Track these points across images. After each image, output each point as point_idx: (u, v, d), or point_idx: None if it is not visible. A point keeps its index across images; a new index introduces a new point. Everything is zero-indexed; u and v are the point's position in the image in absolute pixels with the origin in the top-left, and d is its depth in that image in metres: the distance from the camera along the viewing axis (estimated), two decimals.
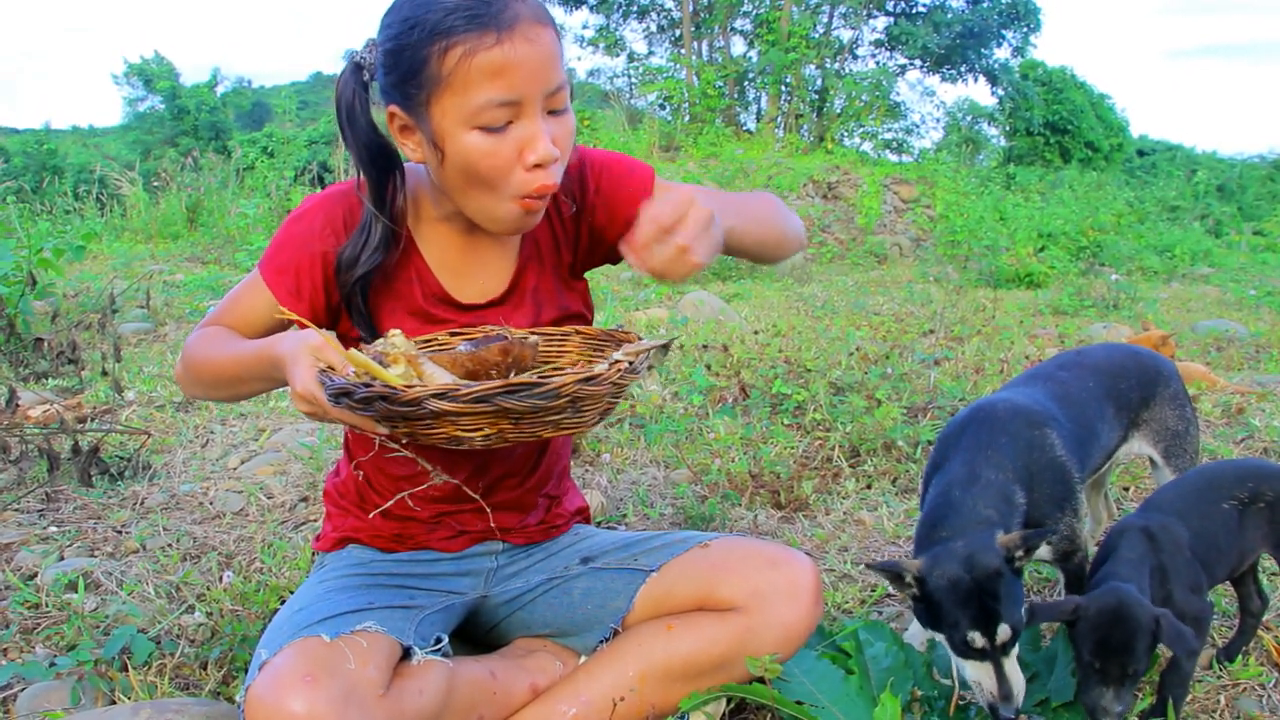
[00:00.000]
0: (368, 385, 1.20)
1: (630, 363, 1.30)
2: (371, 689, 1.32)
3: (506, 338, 1.47)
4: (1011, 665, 1.59)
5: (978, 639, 1.57)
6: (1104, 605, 1.57)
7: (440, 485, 1.60)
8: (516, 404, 1.21)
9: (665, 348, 1.39)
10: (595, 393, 1.26)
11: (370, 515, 1.64)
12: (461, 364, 1.40)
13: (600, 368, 1.27)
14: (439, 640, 1.51)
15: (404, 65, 1.34)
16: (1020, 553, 1.59)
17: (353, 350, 1.28)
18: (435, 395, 1.19)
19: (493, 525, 1.66)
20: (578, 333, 1.57)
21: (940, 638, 1.64)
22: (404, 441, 1.39)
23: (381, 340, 1.34)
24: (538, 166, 1.36)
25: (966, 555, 1.59)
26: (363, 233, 1.49)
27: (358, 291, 1.52)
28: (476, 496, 1.59)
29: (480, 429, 1.25)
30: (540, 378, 1.23)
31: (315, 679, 1.26)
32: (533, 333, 1.54)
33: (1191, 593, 1.69)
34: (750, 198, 1.63)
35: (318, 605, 1.44)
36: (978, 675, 1.60)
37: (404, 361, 1.32)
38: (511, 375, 1.41)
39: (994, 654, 1.58)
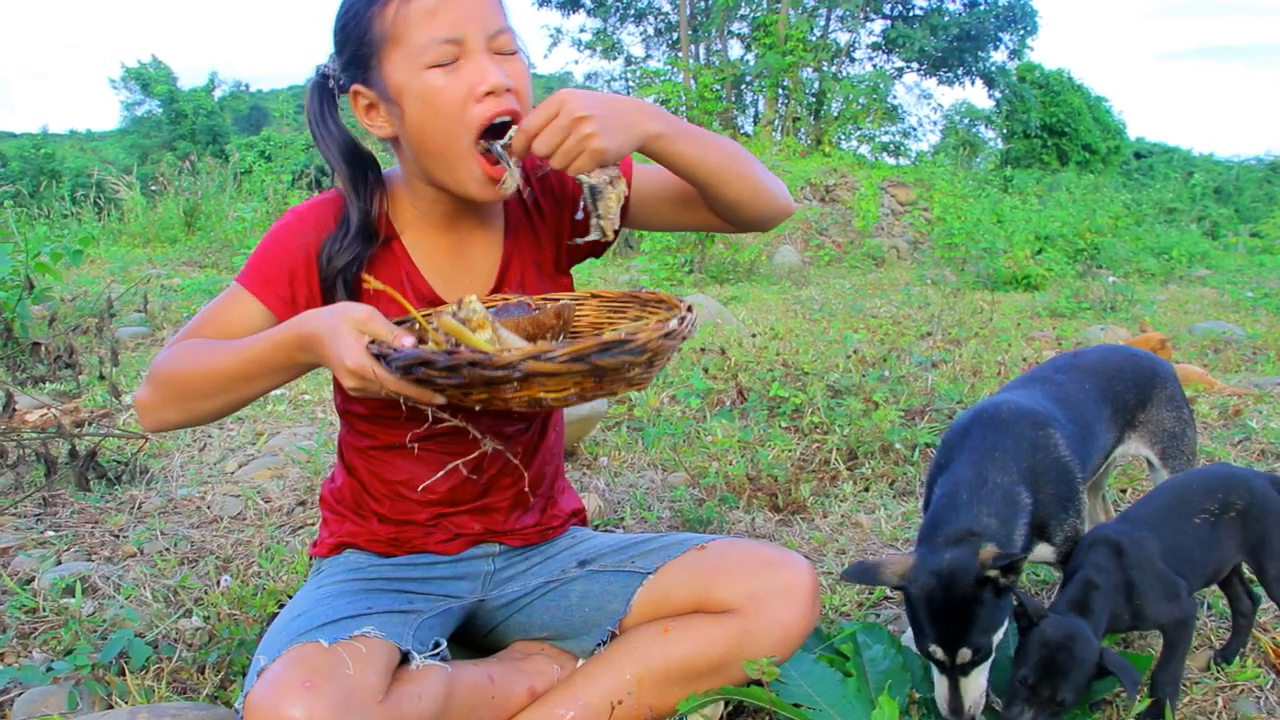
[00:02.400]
0: (450, 353, 1.20)
1: (690, 318, 1.36)
2: (370, 694, 1.31)
3: (529, 305, 1.51)
4: (970, 681, 1.60)
5: (938, 653, 1.59)
6: (1056, 630, 1.58)
7: (436, 487, 1.59)
8: (609, 361, 1.24)
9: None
10: (668, 347, 1.31)
11: (419, 488, 1.61)
12: (523, 328, 1.45)
13: (673, 324, 1.31)
14: (437, 645, 1.51)
15: (352, 38, 1.43)
16: (996, 572, 1.57)
17: (446, 317, 1.30)
18: (532, 358, 1.20)
19: (485, 527, 1.66)
20: (594, 295, 1.62)
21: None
22: (476, 409, 1.35)
23: (455, 307, 1.35)
24: (490, 95, 1.40)
25: (948, 571, 1.59)
26: (343, 225, 1.52)
27: (340, 287, 1.51)
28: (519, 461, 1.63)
29: (565, 389, 1.27)
30: (628, 335, 1.26)
31: (314, 685, 1.26)
32: (548, 299, 1.58)
33: (1168, 601, 1.70)
34: (716, 136, 1.57)
35: (316, 611, 1.44)
36: (937, 686, 1.63)
37: (490, 326, 1.33)
38: (563, 337, 1.50)
39: (951, 670, 1.59)
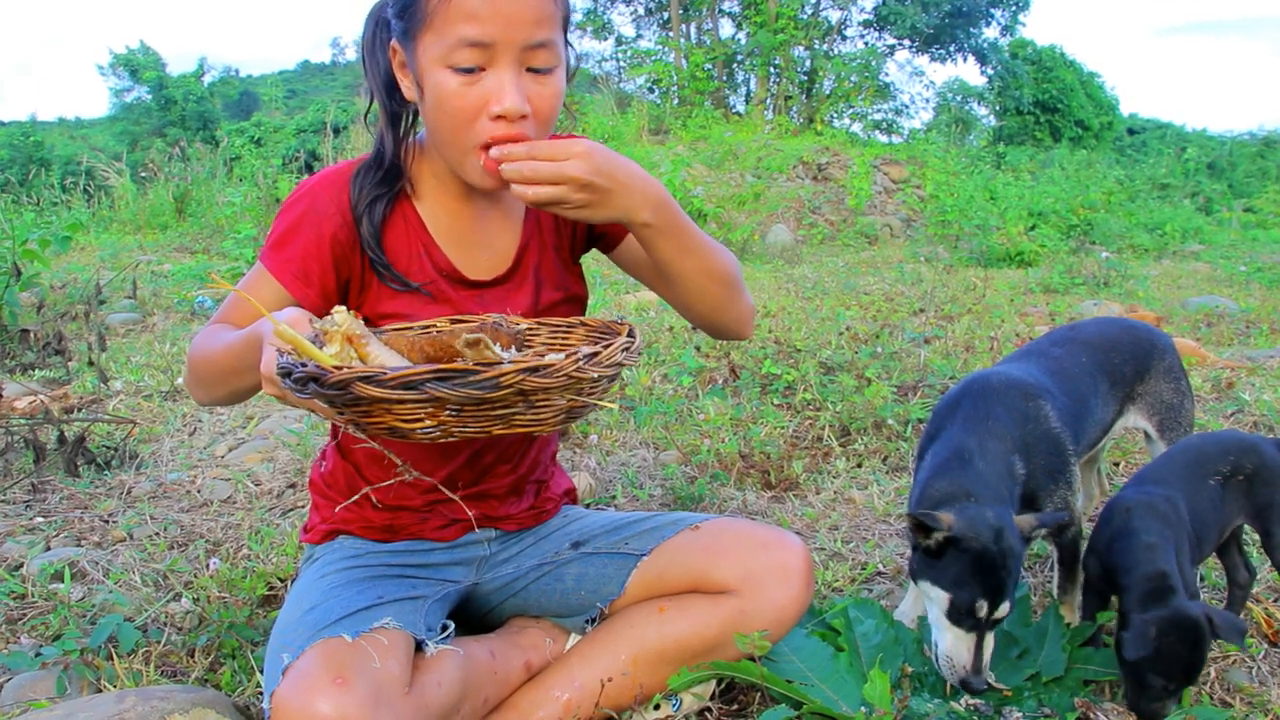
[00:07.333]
0: (303, 365, 1.10)
1: (591, 354, 1.17)
2: (397, 687, 1.30)
3: (501, 325, 1.39)
4: (989, 640, 1.62)
5: (983, 608, 1.58)
6: (1183, 633, 1.54)
7: (430, 474, 1.57)
8: (450, 392, 1.08)
9: (632, 346, 1.26)
10: (547, 386, 1.12)
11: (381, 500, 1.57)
12: (421, 348, 1.30)
13: (553, 357, 1.14)
14: (445, 628, 1.49)
15: (403, 1, 1.36)
16: (1031, 535, 1.63)
17: (284, 326, 1.16)
18: (362, 378, 1.08)
19: (471, 515, 1.62)
20: (582, 324, 1.48)
21: (935, 596, 1.63)
22: (350, 430, 1.24)
23: (326, 317, 1.23)
24: (500, 117, 1.33)
25: (999, 528, 1.60)
26: (375, 157, 1.48)
27: (366, 222, 1.45)
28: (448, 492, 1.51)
29: (420, 419, 1.12)
30: (479, 364, 1.10)
31: (345, 681, 1.25)
32: (540, 323, 1.48)
33: (1191, 566, 1.69)
34: (710, 248, 1.55)
35: (330, 604, 1.42)
36: (956, 647, 1.62)
37: (340, 340, 1.20)
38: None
39: (983, 626, 1.59)
